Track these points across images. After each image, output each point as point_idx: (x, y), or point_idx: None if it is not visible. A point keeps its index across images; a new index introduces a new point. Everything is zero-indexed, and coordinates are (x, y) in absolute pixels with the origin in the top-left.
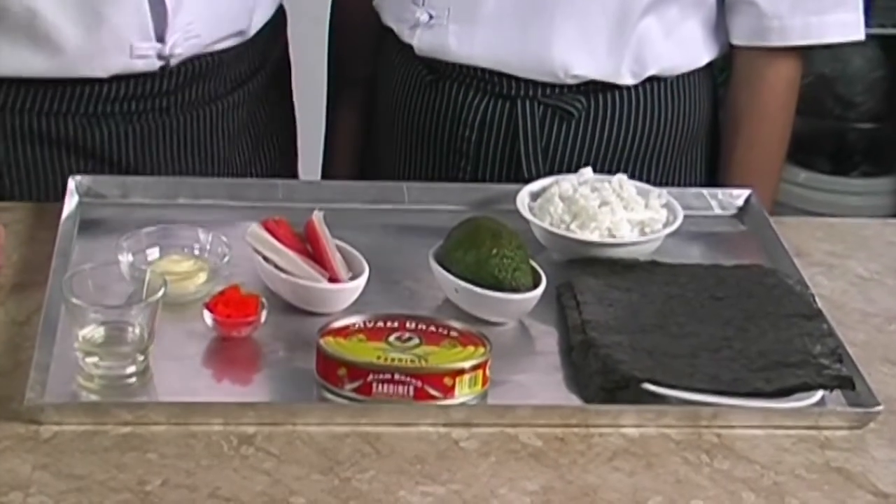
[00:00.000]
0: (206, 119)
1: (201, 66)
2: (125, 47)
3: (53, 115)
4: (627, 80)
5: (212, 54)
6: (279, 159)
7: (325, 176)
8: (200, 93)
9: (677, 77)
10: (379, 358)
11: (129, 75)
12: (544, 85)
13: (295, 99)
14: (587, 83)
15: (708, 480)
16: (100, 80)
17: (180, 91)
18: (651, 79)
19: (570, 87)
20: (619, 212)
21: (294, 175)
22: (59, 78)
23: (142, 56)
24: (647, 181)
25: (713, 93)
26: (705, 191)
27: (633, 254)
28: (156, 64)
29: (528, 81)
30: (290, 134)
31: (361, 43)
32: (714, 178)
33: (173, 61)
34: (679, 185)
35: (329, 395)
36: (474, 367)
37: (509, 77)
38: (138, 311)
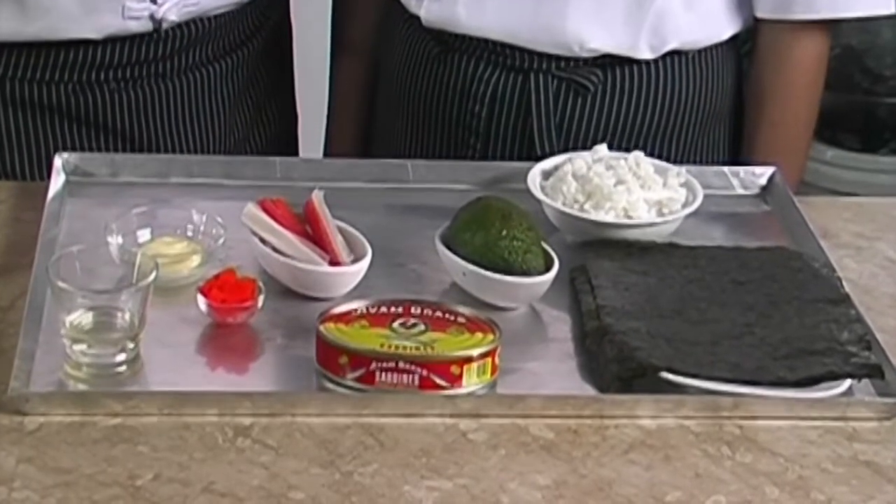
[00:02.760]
0: (203, 82)
1: (197, 30)
2: (117, 7)
3: (45, 82)
4: (646, 54)
5: (208, 17)
6: (281, 124)
7: (327, 153)
8: (197, 56)
9: (698, 51)
10: (382, 345)
11: (122, 38)
12: (558, 58)
13: (296, 73)
14: (603, 57)
15: (729, 474)
16: (93, 44)
17: (176, 55)
18: (671, 53)
19: (585, 60)
20: (635, 191)
21: (296, 140)
22: (49, 41)
23: (134, 17)
24: (667, 161)
25: (737, 68)
26: (726, 169)
27: (651, 235)
28: (149, 26)
29: (541, 54)
30: (291, 97)
31: (366, 13)
32: (737, 157)
33: (165, 25)
34: (700, 164)
35: (329, 385)
36: (483, 355)
37: (521, 50)
38: (128, 295)
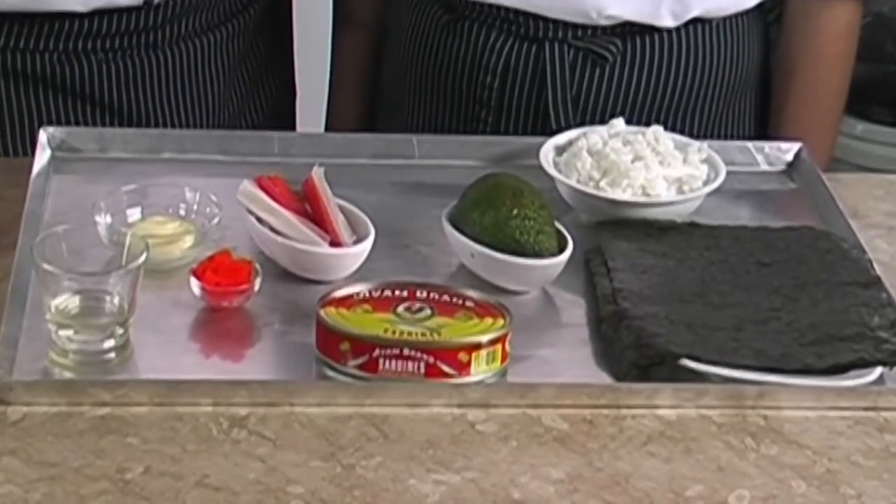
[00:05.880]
0: (197, 53)
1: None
2: None
3: (28, 52)
4: (668, 21)
5: None
6: (279, 98)
7: (329, 129)
8: (190, 25)
9: (723, 19)
10: (386, 331)
11: (111, 10)
12: (575, 26)
13: (296, 43)
14: (623, 25)
15: (753, 467)
16: (79, 16)
17: (167, 24)
18: (694, 21)
19: (603, 28)
20: (654, 168)
21: (294, 115)
22: (33, 12)
23: None
24: (689, 136)
25: (763, 37)
26: (751, 144)
27: (670, 215)
28: None
29: (556, 22)
30: (290, 70)
31: None
32: (764, 132)
33: None
34: (723, 139)
35: (330, 373)
36: (492, 342)
37: (536, 17)
38: (117, 278)
